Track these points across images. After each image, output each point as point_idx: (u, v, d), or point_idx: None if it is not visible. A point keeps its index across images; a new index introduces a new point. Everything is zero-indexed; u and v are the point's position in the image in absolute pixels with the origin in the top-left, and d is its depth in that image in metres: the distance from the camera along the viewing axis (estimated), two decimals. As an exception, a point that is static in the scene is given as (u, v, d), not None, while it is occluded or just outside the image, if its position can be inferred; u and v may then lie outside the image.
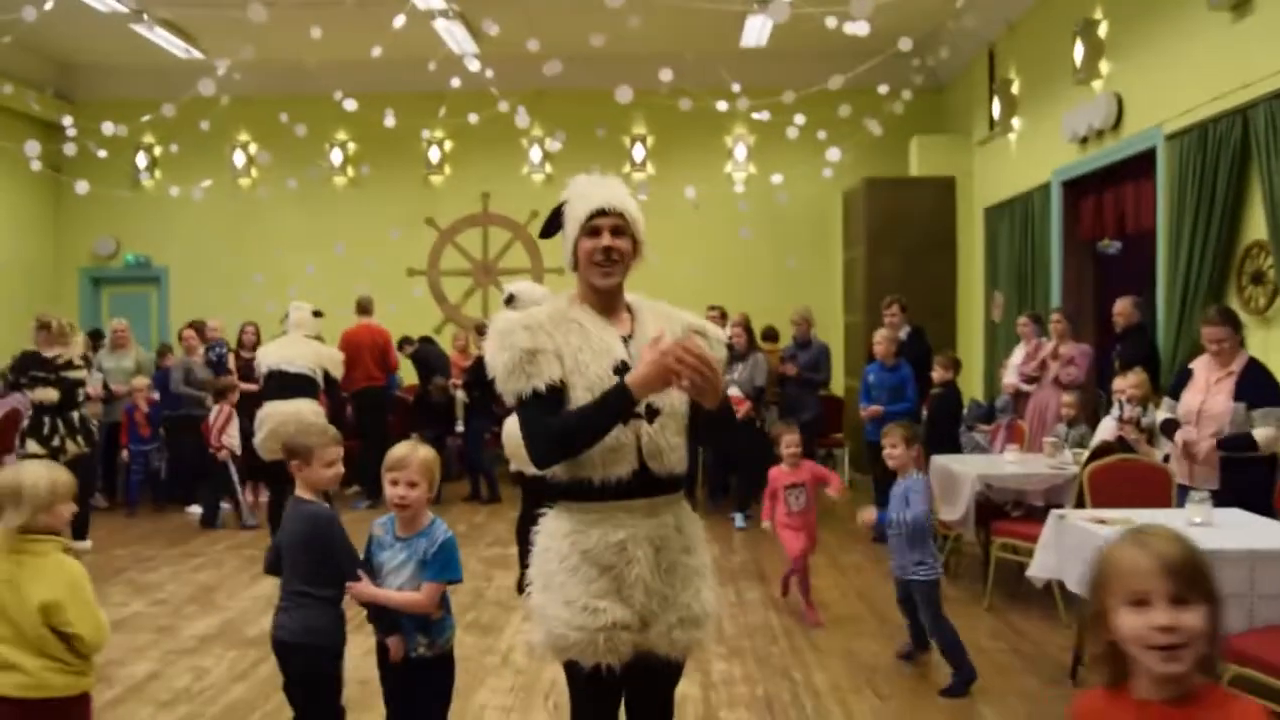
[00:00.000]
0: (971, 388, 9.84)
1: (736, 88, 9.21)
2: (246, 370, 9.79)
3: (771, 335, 10.28)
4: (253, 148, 12.14)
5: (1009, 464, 6.46)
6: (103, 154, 10.11)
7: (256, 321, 10.40)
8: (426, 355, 10.48)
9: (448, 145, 12.25)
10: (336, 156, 12.19)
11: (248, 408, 9.71)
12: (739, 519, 8.61)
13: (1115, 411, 6.19)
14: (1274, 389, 4.99)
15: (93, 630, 2.98)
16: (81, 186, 9.69)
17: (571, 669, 2.52)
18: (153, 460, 9.57)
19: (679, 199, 10.32)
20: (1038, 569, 4.77)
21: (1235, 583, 3.84)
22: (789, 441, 5.98)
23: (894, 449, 4.90)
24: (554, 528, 2.56)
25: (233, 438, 8.85)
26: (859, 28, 6.90)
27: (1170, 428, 5.42)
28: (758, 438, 9.18)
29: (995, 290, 9.92)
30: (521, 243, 12.30)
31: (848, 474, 10.50)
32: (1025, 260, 9.20)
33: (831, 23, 7.24)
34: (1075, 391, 7.14)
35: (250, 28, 7.42)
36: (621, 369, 2.48)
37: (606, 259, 2.52)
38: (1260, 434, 4.89)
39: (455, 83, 9.48)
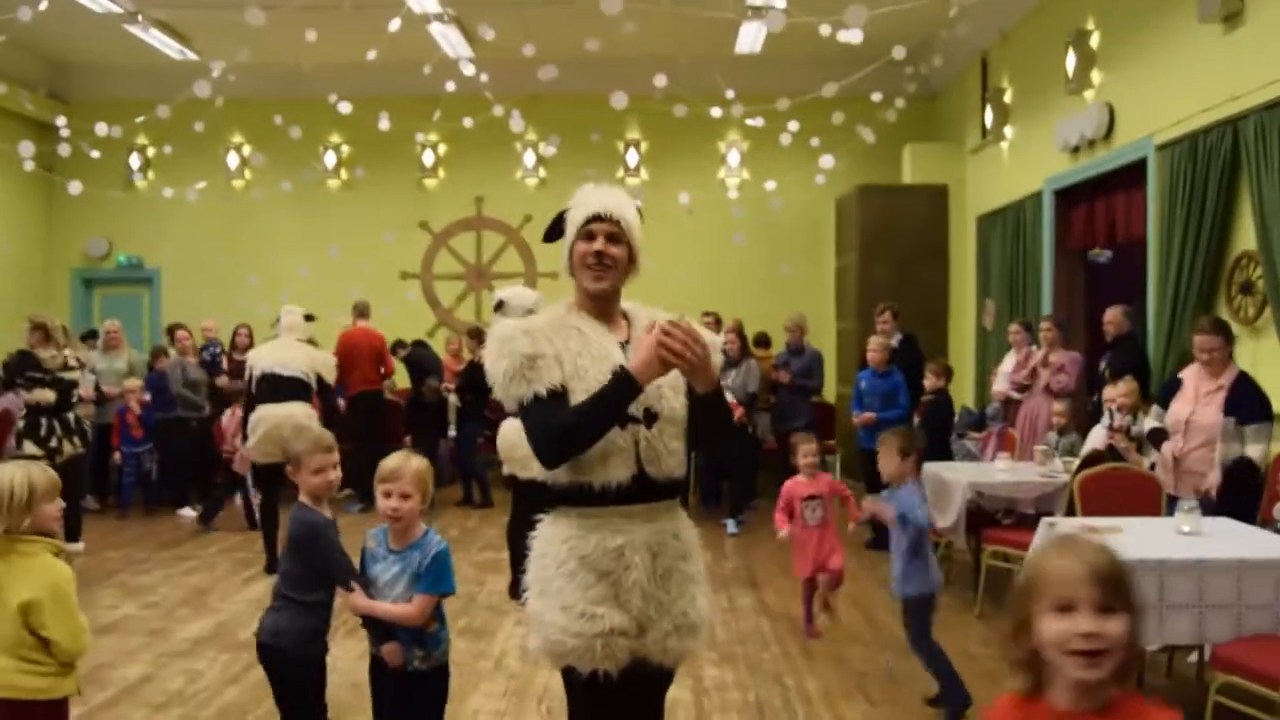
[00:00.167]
0: (963, 395, 9.88)
1: (730, 94, 9.25)
2: (240, 372, 9.79)
3: (763, 342, 10.31)
4: (247, 150, 12.12)
5: (1000, 472, 6.50)
6: (96, 154, 10.10)
7: (250, 324, 10.40)
8: (420, 359, 10.48)
9: (442, 149, 12.26)
10: (330, 159, 12.19)
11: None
12: (731, 525, 8.64)
13: (1105, 420, 6.23)
14: (1262, 404, 5.03)
15: (68, 636, 2.95)
16: (74, 187, 9.68)
17: (569, 675, 2.53)
18: (145, 462, 9.57)
19: (673, 204, 10.35)
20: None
21: (1224, 592, 3.88)
22: (806, 451, 5.68)
23: (888, 460, 4.65)
24: (551, 533, 2.57)
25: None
26: (853, 36, 6.94)
27: (1158, 437, 5.46)
28: (750, 444, 9.24)
29: (987, 298, 9.97)
30: (515, 247, 12.31)
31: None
32: (1017, 268, 9.25)
33: (825, 30, 7.28)
34: (1066, 400, 7.18)
35: (245, 30, 7.42)
36: None
37: (598, 263, 2.54)
38: (1255, 453, 4.92)
39: (450, 86, 9.51)
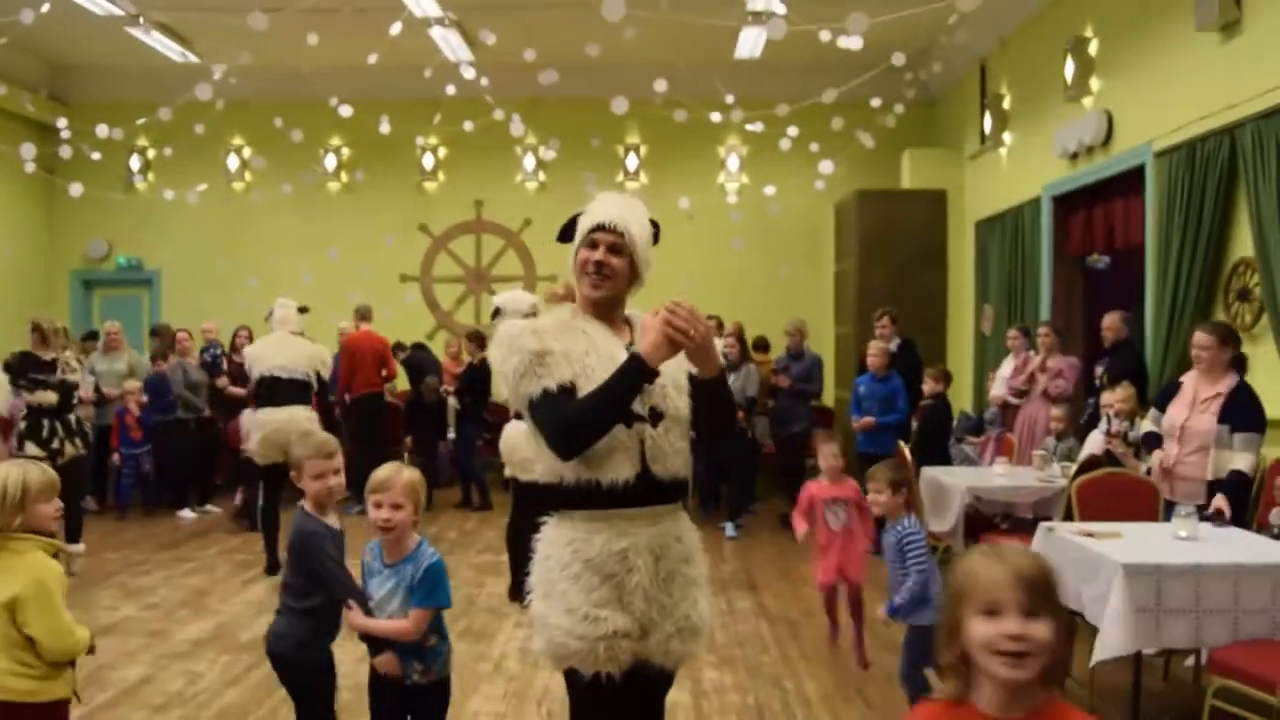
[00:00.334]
0: (961, 400, 9.91)
1: (730, 99, 9.28)
2: (240, 374, 9.81)
3: (762, 346, 10.34)
4: (247, 152, 12.14)
5: (998, 476, 6.52)
6: (97, 156, 10.11)
7: (250, 326, 10.42)
8: (419, 361, 10.50)
9: (442, 152, 12.28)
10: (331, 162, 12.21)
11: (239, 411, 9.75)
12: (730, 528, 8.66)
13: (1103, 425, 6.26)
14: (1257, 414, 5.04)
15: (50, 635, 2.91)
16: (75, 189, 9.71)
17: (571, 677, 2.55)
18: (144, 464, 9.57)
19: (672, 209, 10.38)
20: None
21: (1221, 597, 3.91)
22: (828, 453, 5.31)
23: (879, 494, 4.46)
24: (555, 536, 2.58)
25: None
26: (852, 42, 6.97)
27: (1152, 441, 5.49)
28: (748, 448, 9.26)
29: (985, 303, 10.00)
30: (514, 250, 12.34)
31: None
32: (1015, 274, 9.28)
33: (825, 36, 7.31)
34: (1064, 405, 7.21)
35: (247, 33, 7.45)
36: None
37: (597, 272, 2.58)
38: (1242, 463, 4.95)
39: (450, 90, 9.54)
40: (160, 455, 9.58)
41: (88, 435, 7.54)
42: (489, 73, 9.27)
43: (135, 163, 12.22)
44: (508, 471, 6.28)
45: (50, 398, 7.03)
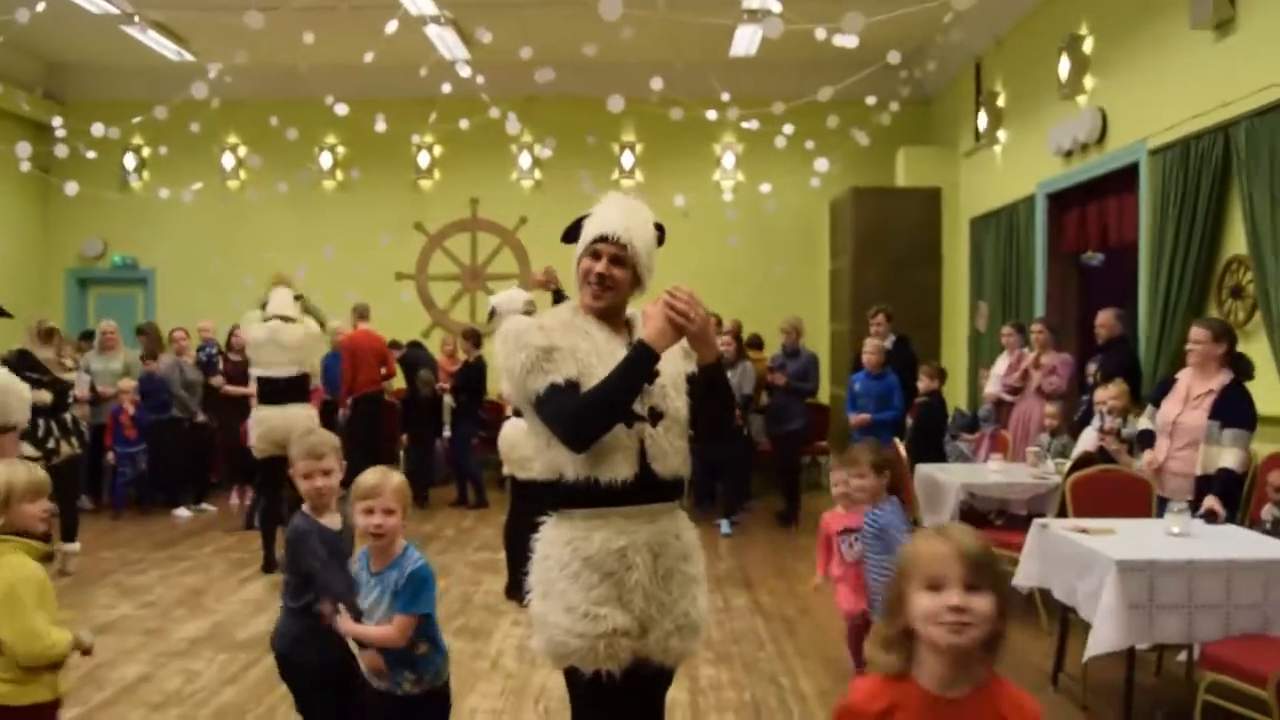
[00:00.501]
0: (956, 397, 9.93)
1: (726, 97, 9.29)
2: (235, 372, 9.82)
3: (756, 344, 10.36)
4: (242, 150, 12.14)
5: (993, 473, 6.54)
6: (92, 155, 10.12)
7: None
8: (415, 360, 10.52)
9: (437, 150, 12.29)
10: (326, 160, 12.21)
11: (234, 410, 9.76)
12: (725, 526, 8.68)
13: (1096, 422, 6.28)
14: (1247, 411, 5.07)
15: (19, 639, 2.86)
16: (70, 188, 9.71)
17: (571, 675, 2.56)
18: (139, 462, 9.56)
19: (668, 206, 10.39)
20: (1022, 578, 4.84)
21: (1213, 592, 3.93)
22: (838, 480, 4.80)
23: (861, 478, 4.30)
24: (555, 535, 2.59)
25: None
26: (848, 40, 6.98)
27: (1147, 439, 5.52)
28: (744, 446, 9.28)
29: (980, 300, 10.03)
30: (510, 248, 12.35)
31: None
32: (1010, 271, 9.30)
33: (821, 35, 7.32)
34: (1058, 402, 7.23)
35: (242, 31, 7.45)
36: None
37: (598, 283, 2.60)
38: (1230, 459, 4.97)
39: (446, 88, 9.54)
40: (154, 454, 9.57)
41: (84, 434, 7.54)
42: (485, 71, 9.27)
43: (130, 161, 12.21)
44: (506, 469, 6.30)
45: (45, 396, 7.03)
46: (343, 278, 11.41)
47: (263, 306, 7.45)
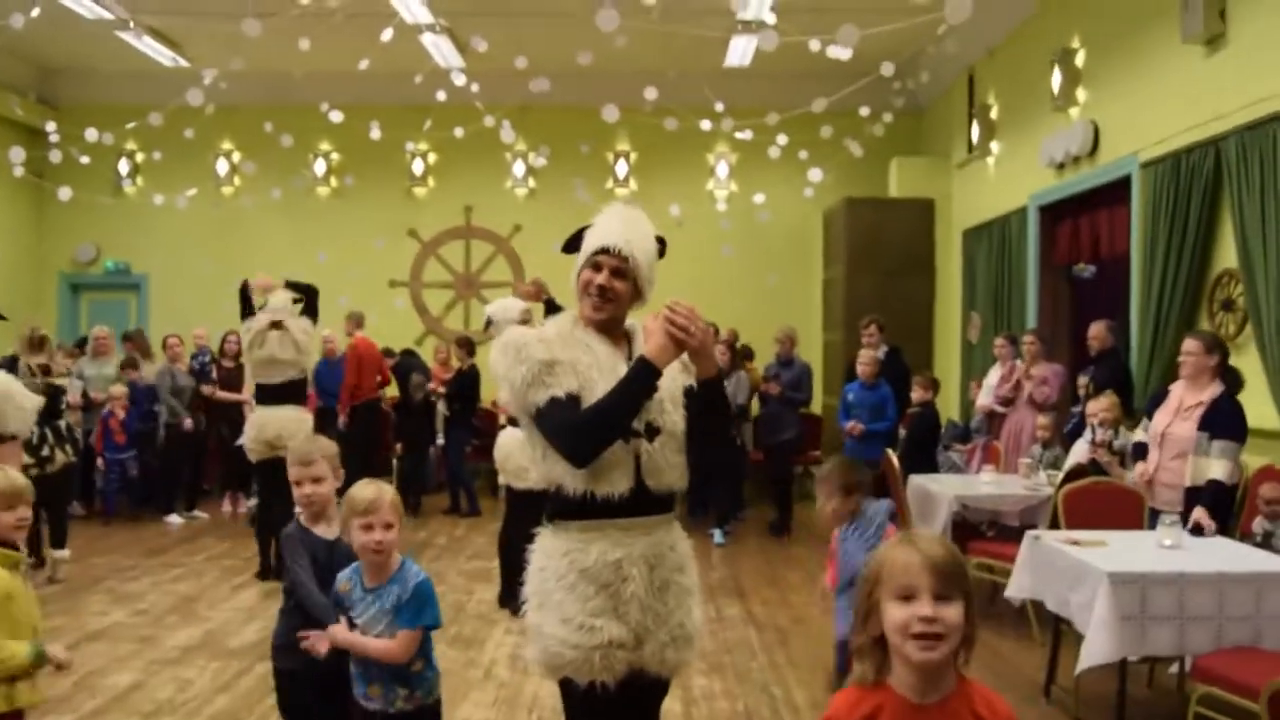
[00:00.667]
0: (948, 408, 9.97)
1: (720, 107, 9.32)
2: (229, 379, 9.81)
3: (747, 354, 10.38)
4: (236, 157, 12.14)
5: (985, 484, 6.57)
6: (85, 160, 10.09)
7: (239, 331, 10.38)
8: (409, 368, 10.51)
9: (432, 158, 12.29)
10: (320, 167, 12.20)
11: (226, 415, 9.75)
12: (717, 535, 8.69)
13: (1088, 435, 6.31)
14: (1236, 423, 5.09)
15: None
16: (64, 193, 9.69)
17: (566, 686, 2.57)
18: (129, 468, 9.52)
19: (662, 216, 10.37)
20: (1014, 589, 4.86)
21: (1204, 605, 3.96)
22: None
23: (829, 501, 4.09)
24: (551, 546, 2.59)
25: None
26: (842, 52, 7.01)
27: (1141, 451, 5.55)
28: (737, 455, 9.29)
29: (972, 311, 10.07)
30: (504, 256, 12.35)
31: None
32: (1002, 282, 9.34)
33: (815, 46, 7.35)
34: (1050, 413, 7.26)
35: (238, 37, 7.46)
36: None
37: (599, 295, 2.59)
38: (1219, 470, 5.00)
39: (441, 96, 9.54)
40: (142, 460, 9.52)
41: (78, 442, 7.54)
42: (480, 79, 9.29)
43: (124, 167, 12.19)
44: (501, 479, 6.29)
45: (38, 402, 7.02)
46: (336, 284, 11.32)
47: (246, 309, 7.31)
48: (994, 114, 9.75)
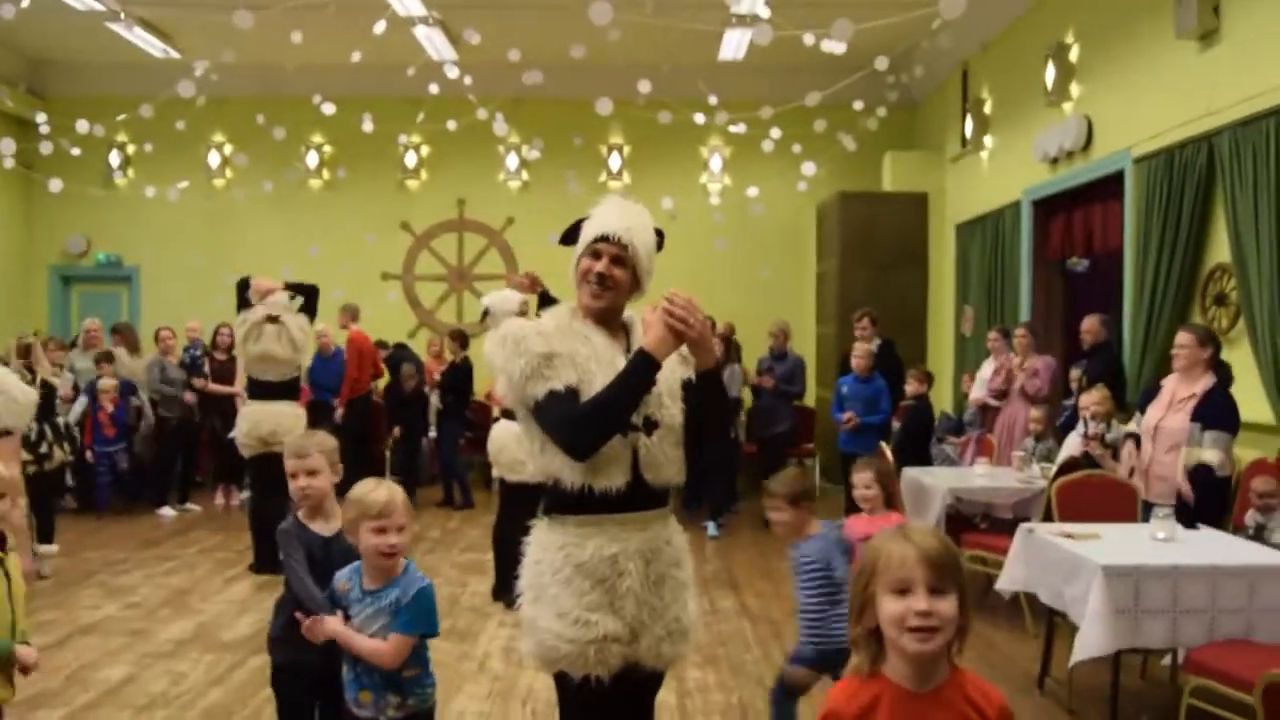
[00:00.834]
0: (941, 401, 9.98)
1: (713, 100, 9.31)
2: (221, 371, 9.78)
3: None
4: (228, 149, 12.08)
5: (978, 477, 6.59)
6: (76, 152, 10.05)
7: (231, 323, 10.34)
8: (399, 360, 10.49)
9: (424, 150, 12.25)
10: (313, 159, 12.16)
11: (219, 408, 9.72)
12: (711, 528, 8.70)
13: (1080, 428, 6.33)
14: (1230, 414, 5.13)
15: None
16: (54, 184, 9.65)
17: (561, 680, 2.57)
18: (118, 461, 9.48)
19: (655, 209, 10.27)
20: (1007, 581, 4.88)
21: (1197, 598, 3.97)
22: (860, 482, 4.46)
23: (777, 513, 3.84)
24: (547, 540, 2.59)
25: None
26: (836, 45, 7.01)
27: (1135, 441, 5.57)
28: (731, 447, 9.31)
29: (966, 305, 10.08)
30: (497, 249, 12.33)
31: (819, 484, 10.63)
32: (995, 276, 9.36)
33: (809, 40, 7.35)
34: (1043, 406, 7.28)
35: (229, 29, 7.42)
36: None
37: (598, 283, 2.58)
38: (1210, 457, 5.03)
39: (434, 89, 9.53)
40: (131, 453, 9.49)
41: (75, 440, 7.51)
42: (473, 72, 9.26)
43: (115, 158, 12.13)
44: (495, 472, 6.28)
45: (32, 395, 6.99)
46: (328, 277, 11.25)
47: (243, 302, 7.25)
48: (988, 108, 9.76)
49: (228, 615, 6.12)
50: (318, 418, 9.37)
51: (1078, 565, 4.19)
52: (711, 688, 4.94)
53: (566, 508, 2.55)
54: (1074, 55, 7.96)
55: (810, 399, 11.14)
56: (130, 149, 12.13)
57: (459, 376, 9.86)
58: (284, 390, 7.09)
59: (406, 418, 10.22)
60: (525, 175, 12.22)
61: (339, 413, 9.76)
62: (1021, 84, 8.86)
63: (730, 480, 9.45)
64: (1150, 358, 6.70)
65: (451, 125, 10.15)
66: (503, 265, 12.24)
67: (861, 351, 8.19)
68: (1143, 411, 5.55)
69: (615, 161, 12.19)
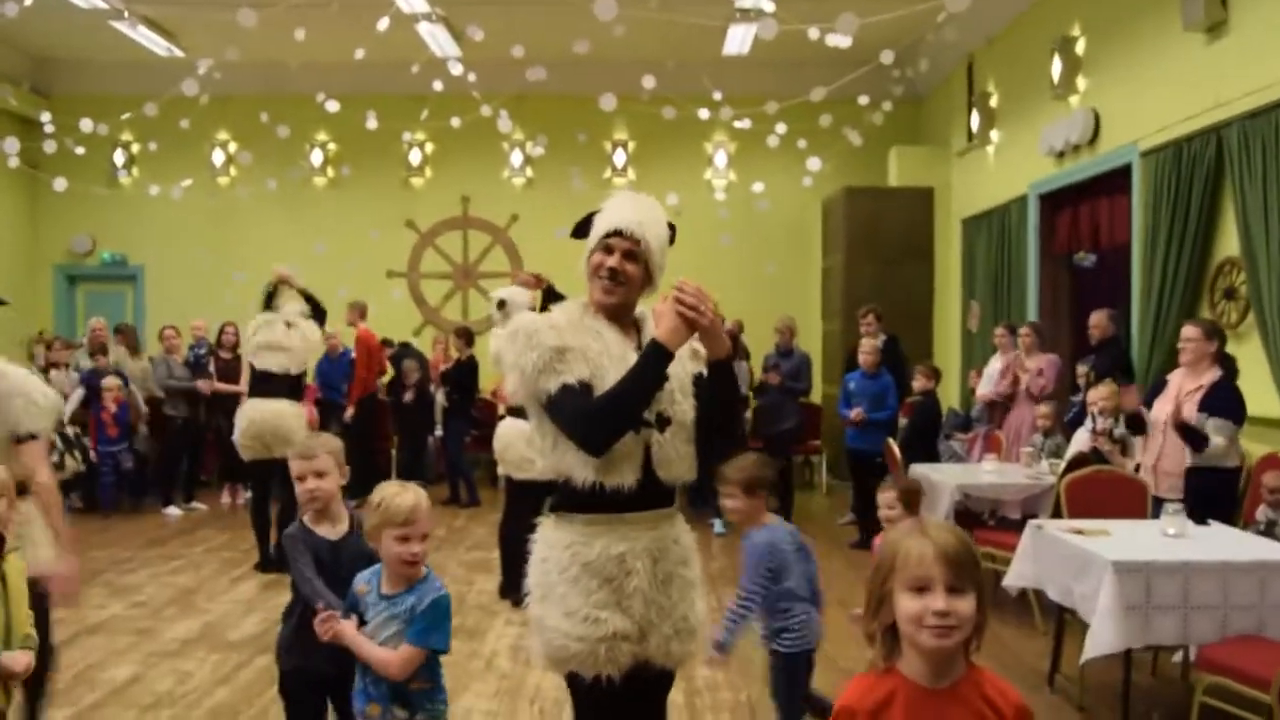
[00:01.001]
0: (949, 397, 9.95)
1: (718, 95, 9.28)
2: (226, 370, 9.77)
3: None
4: (232, 147, 12.07)
5: (987, 474, 6.56)
6: (80, 151, 10.04)
7: (236, 322, 10.35)
8: (404, 358, 10.47)
9: (429, 147, 12.24)
10: (317, 157, 12.14)
11: (224, 407, 9.70)
12: (718, 525, 8.67)
13: (1088, 424, 6.30)
14: (1236, 405, 5.11)
15: None
16: (59, 183, 9.64)
17: (572, 680, 2.55)
18: (122, 461, 9.48)
19: (660, 205, 10.35)
20: (1015, 578, 4.85)
21: (1209, 594, 3.94)
22: (884, 502, 4.33)
23: (730, 499, 3.81)
24: (554, 538, 2.57)
25: None
26: (841, 39, 6.98)
27: (1137, 424, 5.59)
28: (738, 444, 9.27)
29: (972, 300, 10.05)
30: (501, 246, 12.31)
31: (825, 481, 10.61)
32: (1002, 271, 9.32)
33: (814, 34, 7.32)
34: (1051, 402, 7.25)
35: (233, 27, 7.42)
36: None
37: (610, 278, 2.55)
38: (1212, 436, 5.02)
39: (438, 86, 9.51)
40: (134, 451, 9.49)
41: (86, 449, 7.50)
42: (476, 68, 9.24)
43: (119, 157, 12.13)
44: (501, 470, 6.26)
45: (56, 399, 6.99)
46: (333, 275, 11.30)
47: (268, 304, 7.26)
48: (994, 102, 9.72)
49: (234, 614, 6.12)
50: (327, 417, 9.41)
51: (1088, 562, 4.16)
52: (720, 686, 4.92)
53: (576, 505, 2.53)
54: (1080, 48, 7.91)
55: (816, 395, 11.09)
56: (134, 148, 12.12)
57: (464, 374, 9.85)
58: (285, 386, 7.06)
59: (411, 417, 10.21)
60: (529, 172, 12.20)
61: (349, 412, 9.76)
62: (1027, 77, 8.81)
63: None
64: (1159, 353, 6.66)
65: (455, 122, 10.13)
66: (507, 262, 12.22)
67: (869, 348, 8.16)
68: (1149, 407, 5.52)
69: (620, 158, 12.17)
